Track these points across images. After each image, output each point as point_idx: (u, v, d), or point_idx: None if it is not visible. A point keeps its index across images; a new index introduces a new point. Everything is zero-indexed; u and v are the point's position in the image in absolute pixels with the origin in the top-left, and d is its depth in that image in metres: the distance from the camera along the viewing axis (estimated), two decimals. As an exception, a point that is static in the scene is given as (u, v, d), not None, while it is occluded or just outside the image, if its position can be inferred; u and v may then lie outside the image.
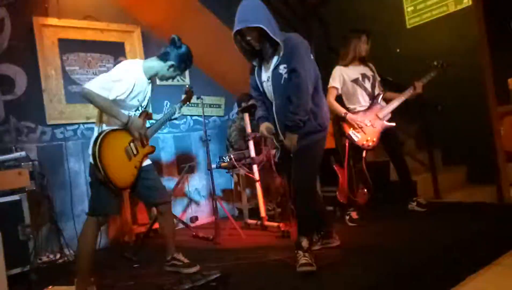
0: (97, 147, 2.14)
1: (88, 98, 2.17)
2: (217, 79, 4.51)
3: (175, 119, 2.72)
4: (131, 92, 2.26)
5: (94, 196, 2.32)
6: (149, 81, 2.43)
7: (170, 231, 2.55)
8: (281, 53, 2.27)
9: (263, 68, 2.41)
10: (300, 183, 2.33)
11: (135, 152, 2.35)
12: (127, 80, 2.24)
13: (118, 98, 2.22)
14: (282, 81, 2.28)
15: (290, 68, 2.24)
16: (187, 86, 2.98)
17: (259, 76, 2.42)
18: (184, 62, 2.42)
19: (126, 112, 2.30)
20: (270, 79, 2.34)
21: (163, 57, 2.40)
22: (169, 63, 2.39)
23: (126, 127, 2.29)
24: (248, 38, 2.26)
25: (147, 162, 2.47)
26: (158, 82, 2.62)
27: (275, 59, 2.30)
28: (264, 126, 2.41)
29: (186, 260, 2.50)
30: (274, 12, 4.11)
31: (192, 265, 2.46)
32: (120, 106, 2.27)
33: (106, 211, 2.32)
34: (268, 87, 2.38)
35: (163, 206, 2.49)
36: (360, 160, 3.19)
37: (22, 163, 2.92)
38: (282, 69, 2.27)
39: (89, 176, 2.32)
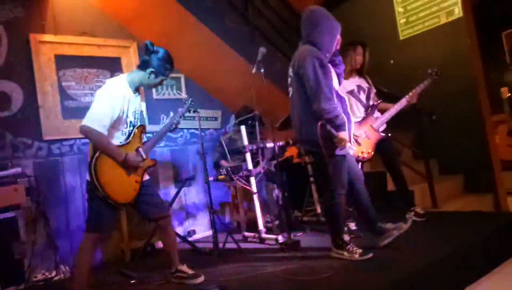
0: (93, 166, 2.16)
1: (86, 135, 2.21)
2: (213, 92, 4.53)
3: (174, 129, 2.70)
4: (124, 111, 2.30)
5: (92, 213, 2.30)
6: (137, 93, 2.44)
7: (172, 244, 2.55)
8: None
9: None
10: None
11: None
12: (117, 102, 2.25)
13: (114, 120, 2.25)
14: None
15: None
16: (186, 97, 2.87)
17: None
18: (164, 66, 2.40)
19: (119, 133, 2.33)
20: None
21: (143, 66, 2.39)
22: (149, 70, 2.38)
23: (123, 164, 2.28)
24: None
25: (146, 177, 2.46)
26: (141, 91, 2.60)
27: None
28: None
29: (190, 271, 2.50)
30: (267, 24, 4.22)
31: (197, 276, 2.47)
32: (114, 125, 2.28)
33: (103, 228, 2.31)
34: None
35: (162, 221, 2.49)
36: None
37: (18, 179, 2.91)
38: None
39: (86, 192, 2.31)
